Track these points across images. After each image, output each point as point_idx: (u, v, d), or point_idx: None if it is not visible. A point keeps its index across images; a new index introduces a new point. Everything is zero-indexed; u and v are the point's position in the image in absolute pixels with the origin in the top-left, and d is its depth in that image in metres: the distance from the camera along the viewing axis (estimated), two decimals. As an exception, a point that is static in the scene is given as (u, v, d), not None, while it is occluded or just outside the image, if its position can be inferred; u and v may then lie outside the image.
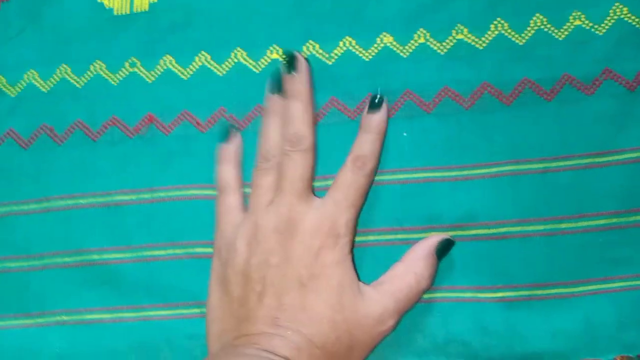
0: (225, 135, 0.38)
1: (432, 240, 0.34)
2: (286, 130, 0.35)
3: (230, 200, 0.37)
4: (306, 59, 0.37)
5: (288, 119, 0.35)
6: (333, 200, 0.34)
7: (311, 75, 0.37)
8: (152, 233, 0.40)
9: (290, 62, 0.36)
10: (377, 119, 0.36)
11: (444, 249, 0.34)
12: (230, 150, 0.38)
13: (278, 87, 0.36)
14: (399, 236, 0.37)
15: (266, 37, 0.42)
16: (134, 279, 0.39)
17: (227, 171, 0.37)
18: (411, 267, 0.33)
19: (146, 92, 0.42)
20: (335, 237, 0.33)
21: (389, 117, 0.39)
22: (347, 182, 0.34)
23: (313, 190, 0.37)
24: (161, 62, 0.42)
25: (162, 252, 0.39)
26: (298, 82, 0.36)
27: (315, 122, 0.37)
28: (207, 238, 0.39)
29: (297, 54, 0.36)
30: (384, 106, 0.36)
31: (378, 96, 0.36)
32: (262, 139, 0.37)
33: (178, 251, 0.39)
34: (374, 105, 0.36)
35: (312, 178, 0.36)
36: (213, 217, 0.39)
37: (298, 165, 0.35)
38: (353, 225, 0.34)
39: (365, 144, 0.35)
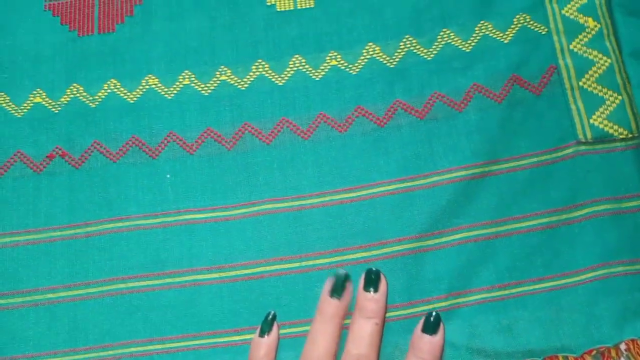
0: (267, 328, 0.34)
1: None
2: (351, 349, 0.33)
3: None
4: (386, 280, 0.35)
5: (355, 337, 0.33)
6: None
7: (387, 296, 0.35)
8: None
9: (374, 281, 0.34)
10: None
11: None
12: (270, 345, 0.34)
13: (340, 292, 0.34)
14: (161, 281, 0.36)
15: (31, 81, 0.40)
16: None
17: None
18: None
19: None
20: None
21: (152, 158, 0.38)
22: None
23: None
24: None
25: None
26: (376, 303, 0.34)
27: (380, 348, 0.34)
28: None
29: (381, 274, 0.34)
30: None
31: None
32: (311, 344, 0.33)
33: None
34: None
35: None
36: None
37: None
38: None
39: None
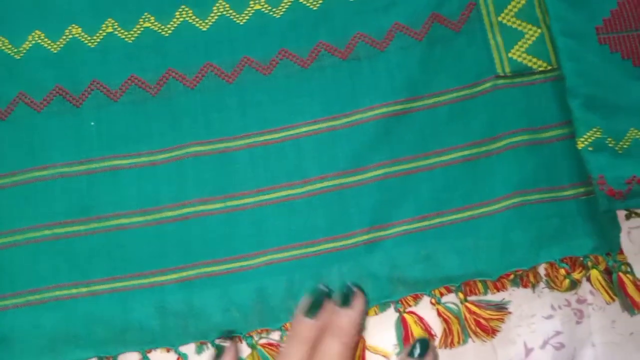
0: (219, 352, 0.32)
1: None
2: None
3: None
4: (366, 298, 0.32)
5: (322, 358, 0.30)
6: None
7: (366, 314, 0.33)
8: None
9: (347, 296, 0.31)
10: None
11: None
12: None
13: (313, 312, 0.31)
14: (86, 226, 0.36)
15: None
16: None
17: None
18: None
19: None
20: None
21: (76, 106, 0.38)
22: None
23: None
24: None
25: None
26: (348, 319, 0.31)
27: None
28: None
29: (357, 290, 0.32)
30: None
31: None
32: None
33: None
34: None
35: None
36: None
37: None
38: None
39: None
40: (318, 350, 0.30)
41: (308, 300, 0.32)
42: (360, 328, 0.32)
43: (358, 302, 0.31)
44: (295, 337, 0.31)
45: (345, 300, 0.31)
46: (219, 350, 0.32)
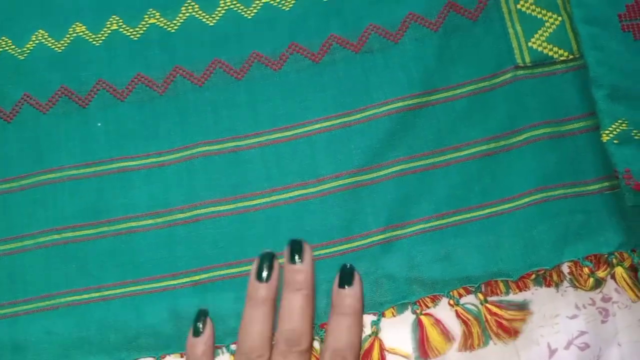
0: (198, 327, 0.32)
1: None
2: (283, 326, 0.31)
3: None
4: (311, 249, 0.33)
5: (286, 313, 0.31)
6: None
7: (314, 265, 0.32)
8: None
9: (296, 251, 0.31)
10: (350, 297, 0.31)
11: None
12: (207, 343, 0.32)
13: (266, 274, 0.31)
14: (96, 230, 0.36)
15: None
16: None
17: None
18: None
19: None
20: None
21: (82, 107, 0.38)
22: None
23: None
24: None
25: None
26: (302, 273, 0.31)
27: (314, 320, 0.32)
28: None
29: (304, 243, 0.32)
30: (357, 279, 0.32)
31: (348, 266, 0.32)
32: (244, 333, 0.31)
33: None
34: (346, 279, 0.31)
35: None
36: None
37: None
38: None
39: (342, 332, 0.31)
40: (282, 306, 0.31)
41: (256, 264, 0.32)
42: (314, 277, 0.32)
43: (308, 255, 0.31)
44: (252, 302, 0.31)
45: (300, 254, 0.31)
46: (202, 325, 0.32)
